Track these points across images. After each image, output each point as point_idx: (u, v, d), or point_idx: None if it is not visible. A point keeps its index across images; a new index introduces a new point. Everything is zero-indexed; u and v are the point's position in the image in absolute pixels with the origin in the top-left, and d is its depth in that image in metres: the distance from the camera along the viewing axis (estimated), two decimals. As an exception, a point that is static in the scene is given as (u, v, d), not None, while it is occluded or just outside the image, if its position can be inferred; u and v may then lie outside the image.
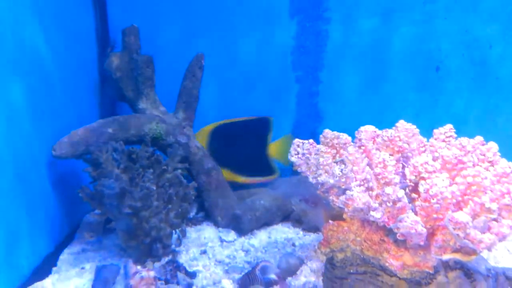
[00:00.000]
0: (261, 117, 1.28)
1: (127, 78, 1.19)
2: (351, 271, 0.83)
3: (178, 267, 0.91)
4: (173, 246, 1.01)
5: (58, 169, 1.05)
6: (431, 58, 1.31)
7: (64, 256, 1.02)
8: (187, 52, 1.23)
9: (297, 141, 0.92)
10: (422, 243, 0.77)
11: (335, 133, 0.87)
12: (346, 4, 1.30)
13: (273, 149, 1.29)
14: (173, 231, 1.01)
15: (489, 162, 0.80)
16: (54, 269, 0.97)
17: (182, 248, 1.04)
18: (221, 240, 1.09)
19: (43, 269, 0.95)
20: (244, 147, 1.27)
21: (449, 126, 0.87)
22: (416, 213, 0.77)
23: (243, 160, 1.26)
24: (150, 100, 1.19)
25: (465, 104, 1.32)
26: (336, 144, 0.86)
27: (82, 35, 1.24)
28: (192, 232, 1.13)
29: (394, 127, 0.88)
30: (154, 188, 0.99)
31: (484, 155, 0.80)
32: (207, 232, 1.13)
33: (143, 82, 1.17)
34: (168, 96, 1.21)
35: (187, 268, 0.93)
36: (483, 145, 0.82)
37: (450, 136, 0.86)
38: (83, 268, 0.97)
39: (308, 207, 1.15)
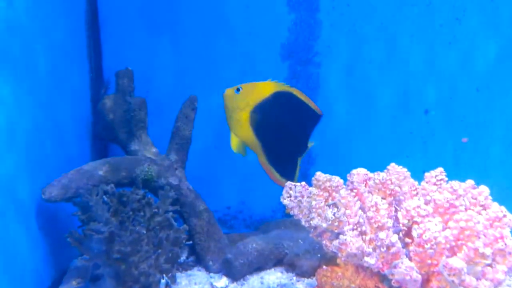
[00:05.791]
0: (319, 113, 1.09)
1: (120, 120, 1.19)
2: (346, 319, 0.81)
3: (168, 315, 0.88)
4: (162, 292, 0.98)
5: (47, 212, 1.03)
6: (420, 101, 1.34)
7: (49, 303, 0.98)
8: (180, 93, 1.25)
9: (289, 183, 0.92)
10: (417, 289, 0.76)
11: (327, 175, 0.87)
12: (336, 49, 1.34)
13: None
14: (163, 277, 0.98)
15: (481, 206, 0.80)
16: (38, 318, 0.93)
17: (172, 294, 1.02)
18: (212, 286, 1.06)
19: (27, 318, 0.91)
20: (291, 132, 1.08)
21: (440, 169, 0.88)
22: (410, 259, 0.76)
23: (282, 144, 1.07)
24: (143, 142, 1.19)
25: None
26: (329, 187, 0.86)
27: (75, 76, 1.25)
28: (182, 278, 1.10)
29: (385, 170, 0.88)
30: (144, 232, 0.97)
31: (475, 198, 0.80)
32: (198, 278, 1.10)
33: (136, 124, 1.18)
34: (161, 137, 1.21)
35: (177, 316, 0.90)
36: (474, 188, 0.82)
37: (441, 179, 0.87)
38: (68, 317, 0.93)
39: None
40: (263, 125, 1.06)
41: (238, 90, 1.07)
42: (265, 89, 1.05)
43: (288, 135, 1.08)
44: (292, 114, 1.08)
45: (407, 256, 0.77)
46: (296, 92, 1.07)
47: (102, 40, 1.35)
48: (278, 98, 1.06)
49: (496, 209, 0.77)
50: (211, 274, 1.12)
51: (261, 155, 1.08)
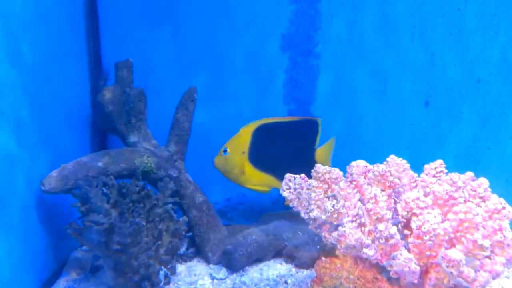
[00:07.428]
0: (308, 118, 1.19)
1: (119, 112, 1.19)
2: (345, 310, 0.81)
3: (167, 306, 0.88)
4: (161, 284, 0.98)
5: (46, 204, 1.03)
6: (421, 93, 1.33)
7: (50, 294, 0.99)
8: (180, 84, 1.24)
9: (288, 175, 0.92)
10: (416, 281, 0.76)
11: (327, 167, 0.86)
12: (336, 40, 1.33)
13: (321, 154, 1.19)
14: (162, 268, 0.99)
15: (480, 198, 0.80)
16: (38, 308, 0.94)
17: (171, 286, 1.02)
18: (212, 278, 1.07)
19: (27, 309, 0.92)
20: (291, 152, 1.16)
21: (439, 161, 0.87)
22: (409, 250, 0.76)
23: (289, 165, 1.12)
24: (142, 134, 1.19)
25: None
26: (328, 178, 0.86)
27: (74, 67, 1.24)
28: (182, 269, 1.10)
29: (385, 162, 0.88)
30: (144, 223, 0.97)
31: (475, 190, 0.80)
32: (198, 269, 1.11)
33: (135, 116, 1.17)
34: (160, 128, 1.21)
35: (177, 307, 0.91)
36: (473, 180, 0.82)
37: (441, 171, 0.86)
38: (68, 307, 0.94)
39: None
40: (266, 159, 1.13)
41: (225, 151, 1.14)
42: (246, 132, 1.13)
43: (291, 153, 1.16)
44: (283, 135, 1.15)
45: (406, 248, 0.77)
46: (269, 119, 1.15)
47: (101, 31, 1.34)
48: (262, 130, 1.13)
49: (495, 201, 0.76)
50: (211, 266, 1.12)
51: (279, 183, 1.08)
